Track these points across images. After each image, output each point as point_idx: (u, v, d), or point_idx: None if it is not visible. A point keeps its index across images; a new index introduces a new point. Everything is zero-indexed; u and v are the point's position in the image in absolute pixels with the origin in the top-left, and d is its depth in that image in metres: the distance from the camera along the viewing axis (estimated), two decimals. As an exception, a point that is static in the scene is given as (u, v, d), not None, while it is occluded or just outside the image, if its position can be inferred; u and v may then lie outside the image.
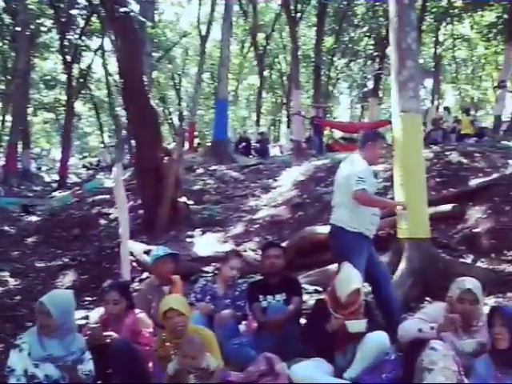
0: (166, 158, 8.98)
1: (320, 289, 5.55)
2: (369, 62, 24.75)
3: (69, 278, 7.48)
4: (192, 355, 3.29)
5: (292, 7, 18.45)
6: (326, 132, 20.19)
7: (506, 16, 18.93)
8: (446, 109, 19.17)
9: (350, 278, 3.78)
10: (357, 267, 4.17)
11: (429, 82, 30.13)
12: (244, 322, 4.64)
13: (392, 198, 5.72)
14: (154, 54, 22.54)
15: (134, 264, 6.77)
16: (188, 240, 8.19)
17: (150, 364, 3.71)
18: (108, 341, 3.60)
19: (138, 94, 8.81)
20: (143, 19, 12.09)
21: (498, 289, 5.02)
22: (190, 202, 9.64)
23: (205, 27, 22.85)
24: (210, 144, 18.65)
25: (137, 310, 4.02)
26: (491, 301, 4.73)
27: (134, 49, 8.83)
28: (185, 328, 3.52)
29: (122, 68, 8.99)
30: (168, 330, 3.57)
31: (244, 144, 18.60)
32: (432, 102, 25.76)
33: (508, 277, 5.22)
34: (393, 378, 3.43)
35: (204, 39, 22.61)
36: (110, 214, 10.06)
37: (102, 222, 10.00)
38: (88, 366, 3.35)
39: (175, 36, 28.87)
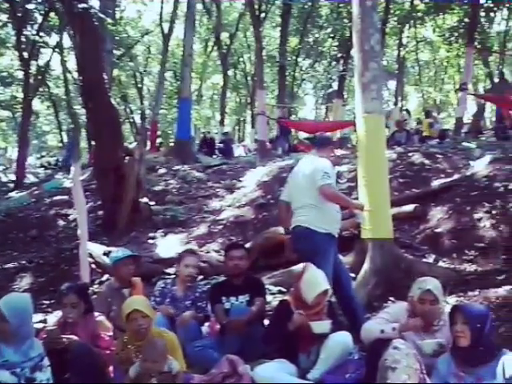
0: (126, 157, 8.87)
1: (284, 289, 5.59)
2: (333, 63, 25.00)
3: (26, 280, 7.32)
4: (154, 358, 3.25)
5: (256, 7, 18.48)
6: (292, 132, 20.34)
7: (466, 20, 19.41)
8: (406, 111, 19.55)
9: (317, 280, 3.81)
10: (326, 268, 4.23)
11: (392, 84, 30.68)
12: (207, 324, 4.63)
13: (356, 199, 5.78)
14: (115, 51, 22.20)
15: (94, 266, 6.67)
16: (150, 241, 8.13)
17: (111, 368, 3.65)
18: (66, 345, 3.52)
19: (98, 92, 8.68)
20: (103, 16, 11.91)
21: (459, 288, 5.12)
22: (152, 203, 9.55)
23: (167, 25, 22.67)
24: (172, 144, 18.49)
25: (96, 313, 3.96)
26: (453, 300, 4.83)
27: (93, 46, 8.69)
28: (148, 330, 3.48)
29: (81, 65, 8.85)
30: (130, 332, 3.52)
31: (208, 144, 18.52)
32: (395, 103, 26.17)
33: (469, 276, 5.36)
34: (356, 377, 3.47)
35: (167, 37, 22.37)
36: (68, 214, 9.87)
37: (61, 223, 9.80)
38: (46, 373, 3.27)
39: (137, 34, 28.53)
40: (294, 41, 25.90)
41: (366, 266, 5.43)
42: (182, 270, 4.53)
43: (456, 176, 7.75)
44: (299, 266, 4.71)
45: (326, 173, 4.45)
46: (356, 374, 3.50)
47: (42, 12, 19.96)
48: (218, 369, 3.58)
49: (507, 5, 22.48)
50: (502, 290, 4.82)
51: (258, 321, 4.27)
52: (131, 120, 31.99)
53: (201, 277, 6.28)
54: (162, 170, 12.43)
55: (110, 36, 19.06)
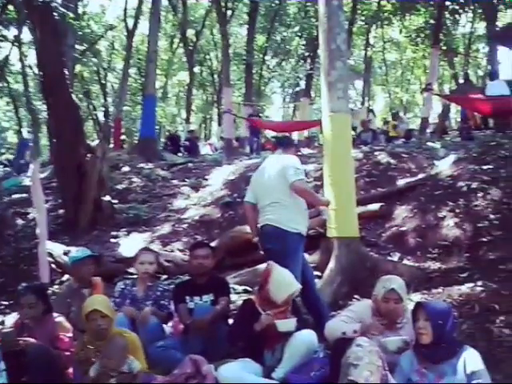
0: (88, 155, 8.74)
1: (250, 289, 5.58)
2: (301, 62, 25.16)
3: (-17, 281, 7.14)
4: (114, 358, 3.22)
5: (223, 4, 18.48)
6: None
7: (432, 21, 19.77)
8: (371, 111, 19.83)
9: (287, 280, 3.82)
10: (296, 269, 4.29)
11: (359, 84, 31.04)
12: (170, 324, 4.60)
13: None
14: (77, 46, 21.87)
15: (54, 266, 6.55)
16: (112, 240, 8.03)
17: (70, 370, 3.58)
18: (23, 347, 3.45)
19: (59, 87, 8.55)
20: (65, 10, 11.69)
21: (423, 285, 5.21)
22: (115, 201, 9.44)
23: (132, 21, 22.46)
24: (136, 141, 18.32)
25: (55, 314, 3.88)
26: (417, 297, 4.89)
27: (54, 40, 8.56)
28: (108, 330, 3.43)
29: (42, 60, 8.68)
30: (90, 332, 3.46)
31: (173, 142, 18.40)
32: (362, 103, 26.51)
33: (433, 274, 5.45)
34: (321, 375, 3.49)
35: (131, 33, 22.19)
36: (28, 213, 9.67)
37: (20, 222, 9.59)
38: (1, 378, 3.19)
39: (101, 29, 28.15)
40: (261, 39, 25.98)
41: (331, 264, 5.48)
42: (138, 267, 4.51)
43: (421, 175, 7.88)
44: (264, 265, 4.70)
45: (297, 169, 4.51)
46: (321, 372, 3.52)
47: (0, 4, 19.49)
48: (180, 369, 3.54)
49: (472, 7, 23.01)
50: (464, 288, 4.91)
51: (222, 320, 4.25)
52: (94, 117, 31.55)
53: (165, 276, 6.25)
54: (126, 168, 12.30)
55: (72, 31, 18.77)
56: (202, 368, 3.53)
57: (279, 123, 19.32)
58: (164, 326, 4.48)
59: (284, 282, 3.79)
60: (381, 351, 3.10)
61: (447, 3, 19.31)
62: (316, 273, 5.49)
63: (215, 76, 30.30)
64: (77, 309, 4.06)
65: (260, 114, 20.30)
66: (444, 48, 22.85)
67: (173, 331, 4.58)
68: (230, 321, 4.36)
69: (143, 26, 23.69)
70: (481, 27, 26.50)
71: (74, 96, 9.30)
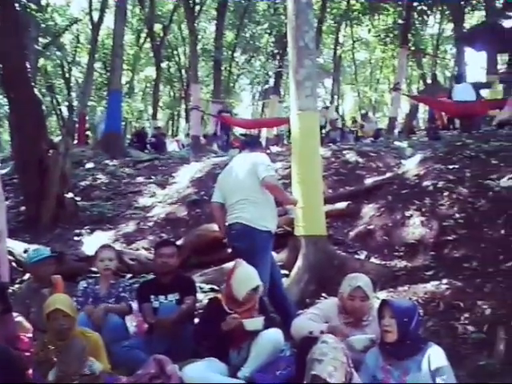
0: (50, 151, 8.59)
1: (216, 287, 5.57)
2: (270, 59, 25.21)
3: None
4: (73, 362, 3.16)
5: (190, -1, 18.36)
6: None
7: (401, 21, 20.06)
8: (336, 109, 20.06)
9: (248, 276, 3.84)
10: (264, 267, 4.33)
11: (329, 83, 31.31)
12: (134, 324, 4.56)
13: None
14: (40, 39, 21.49)
15: (14, 264, 6.41)
16: (75, 238, 7.91)
17: (30, 371, 3.52)
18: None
19: (20, 81, 8.39)
20: (26, 1, 11.49)
21: (389, 283, 5.30)
22: (78, 199, 9.30)
23: (97, 14, 22.15)
24: (101, 136, 18.05)
25: (15, 314, 3.82)
26: (383, 295, 4.96)
27: (15, 32, 8.37)
28: (70, 330, 3.38)
29: (2, 53, 8.47)
30: (52, 331, 3.40)
31: (139, 138, 18.21)
32: (331, 102, 26.72)
33: (399, 272, 5.53)
34: (287, 374, 3.51)
35: (96, 27, 21.88)
36: (-13, 211, 9.44)
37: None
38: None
39: (65, 22, 27.65)
40: (230, 35, 25.93)
41: (299, 262, 5.53)
42: (99, 265, 4.47)
43: (388, 174, 7.98)
44: (232, 263, 4.70)
45: (268, 165, 4.54)
46: (287, 370, 3.54)
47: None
48: (144, 369, 3.52)
49: (440, 8, 23.43)
50: (430, 286, 5.00)
51: (187, 320, 4.23)
52: (58, 112, 31.01)
53: (129, 275, 6.19)
54: (90, 165, 12.12)
55: (35, 23, 18.42)
56: (166, 368, 3.51)
57: (249, 121, 19.38)
58: (128, 325, 4.45)
59: (245, 278, 3.80)
60: (346, 349, 3.13)
61: (415, 4, 19.64)
62: (283, 271, 5.52)
63: (183, 72, 30.09)
64: (37, 308, 4.00)
65: (229, 110, 20.29)
66: (412, 48, 23.21)
67: (137, 331, 4.55)
68: (196, 320, 4.35)
69: (109, 20, 23.36)
70: (449, 28, 27.01)
71: (36, 90, 9.12)
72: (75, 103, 27.84)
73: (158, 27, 26.34)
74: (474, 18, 24.21)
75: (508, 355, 3.95)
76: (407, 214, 6.32)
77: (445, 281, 5.03)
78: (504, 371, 3.80)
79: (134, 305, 4.46)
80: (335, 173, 8.44)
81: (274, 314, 4.55)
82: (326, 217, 6.04)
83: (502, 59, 19.25)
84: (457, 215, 5.96)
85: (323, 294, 5.18)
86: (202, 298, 5.18)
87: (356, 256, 6.03)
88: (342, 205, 7.11)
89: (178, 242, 6.34)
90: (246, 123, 18.53)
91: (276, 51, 23.35)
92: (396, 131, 17.37)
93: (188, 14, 18.53)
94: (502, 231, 5.50)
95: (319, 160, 6.13)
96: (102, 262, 4.44)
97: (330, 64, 30.52)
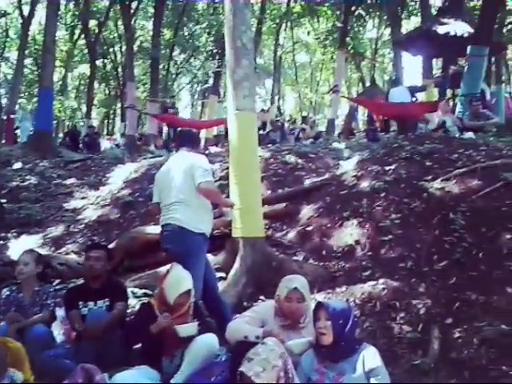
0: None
1: (150, 292, 5.45)
2: (210, 59, 25.12)
3: None
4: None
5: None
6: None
7: (339, 25, 20.48)
8: (278, 110, 20.23)
9: (179, 280, 3.77)
10: (199, 270, 4.27)
11: (269, 83, 31.54)
12: (62, 331, 4.39)
13: (228, 197, 5.82)
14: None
15: None
16: (1, 242, 7.57)
17: None
18: None
19: None
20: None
21: (327, 284, 5.33)
22: (4, 201, 8.92)
23: (27, 8, 21.44)
24: (31, 136, 17.45)
25: None
26: (321, 296, 5.01)
27: None
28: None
29: None
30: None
31: (72, 137, 17.71)
32: (271, 102, 26.94)
33: (337, 273, 5.57)
34: (222, 380, 3.46)
35: (26, 21, 21.16)
36: None
37: None
38: None
39: (-8, 14, 26.62)
40: (168, 33, 25.67)
41: (236, 265, 5.49)
42: (17, 270, 4.32)
43: (327, 175, 8.05)
44: (166, 267, 4.61)
45: (206, 170, 4.48)
46: (222, 376, 3.49)
47: None
48: (71, 379, 3.38)
49: (377, 13, 24.08)
50: (366, 286, 5.06)
51: (118, 327, 4.09)
52: (-15, 109, 29.77)
53: (58, 280, 5.97)
54: (18, 165, 11.65)
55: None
56: (94, 378, 3.38)
57: (189, 120, 19.21)
58: (56, 333, 4.28)
59: (176, 282, 3.75)
60: (287, 354, 3.12)
61: (353, 8, 20.12)
62: (221, 274, 5.49)
63: (119, 70, 29.54)
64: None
65: (175, 107, 20.10)
66: (351, 51, 23.72)
67: (65, 339, 4.38)
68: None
69: (41, 14, 22.67)
70: (387, 33, 27.75)
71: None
72: (4, 100, 26.81)
73: (93, 23, 25.76)
74: (410, 24, 24.94)
75: (442, 354, 4.05)
76: (345, 214, 6.37)
77: (381, 281, 5.10)
78: (438, 370, 3.90)
79: (62, 312, 4.29)
80: (274, 174, 8.44)
81: (209, 319, 4.48)
82: (264, 218, 6.06)
83: (437, 64, 20.01)
84: (393, 216, 6.05)
85: (261, 297, 5.17)
86: (135, 304, 5.05)
87: (294, 257, 6.03)
88: (280, 206, 7.12)
89: (110, 246, 6.19)
90: (186, 123, 18.38)
91: (215, 50, 23.28)
92: (336, 133, 17.67)
93: (124, 11, 18.23)
94: (436, 231, 5.62)
95: (257, 161, 6.12)
96: (17, 267, 4.28)
97: (270, 65, 30.74)
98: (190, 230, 4.42)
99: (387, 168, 7.07)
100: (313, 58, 35.66)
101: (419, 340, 4.26)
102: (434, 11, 17.10)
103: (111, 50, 29.65)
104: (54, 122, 23.58)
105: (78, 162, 11.97)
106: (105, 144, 19.44)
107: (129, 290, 5.00)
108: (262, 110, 18.56)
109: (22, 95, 25.09)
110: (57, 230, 8.00)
